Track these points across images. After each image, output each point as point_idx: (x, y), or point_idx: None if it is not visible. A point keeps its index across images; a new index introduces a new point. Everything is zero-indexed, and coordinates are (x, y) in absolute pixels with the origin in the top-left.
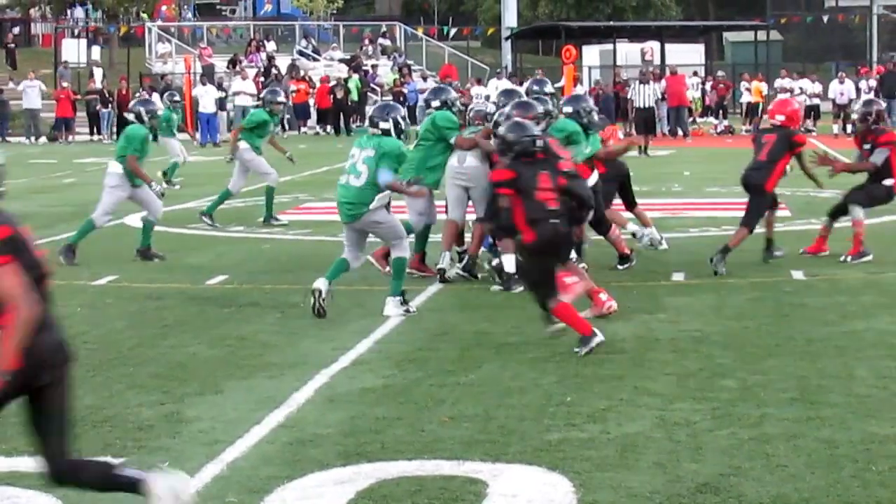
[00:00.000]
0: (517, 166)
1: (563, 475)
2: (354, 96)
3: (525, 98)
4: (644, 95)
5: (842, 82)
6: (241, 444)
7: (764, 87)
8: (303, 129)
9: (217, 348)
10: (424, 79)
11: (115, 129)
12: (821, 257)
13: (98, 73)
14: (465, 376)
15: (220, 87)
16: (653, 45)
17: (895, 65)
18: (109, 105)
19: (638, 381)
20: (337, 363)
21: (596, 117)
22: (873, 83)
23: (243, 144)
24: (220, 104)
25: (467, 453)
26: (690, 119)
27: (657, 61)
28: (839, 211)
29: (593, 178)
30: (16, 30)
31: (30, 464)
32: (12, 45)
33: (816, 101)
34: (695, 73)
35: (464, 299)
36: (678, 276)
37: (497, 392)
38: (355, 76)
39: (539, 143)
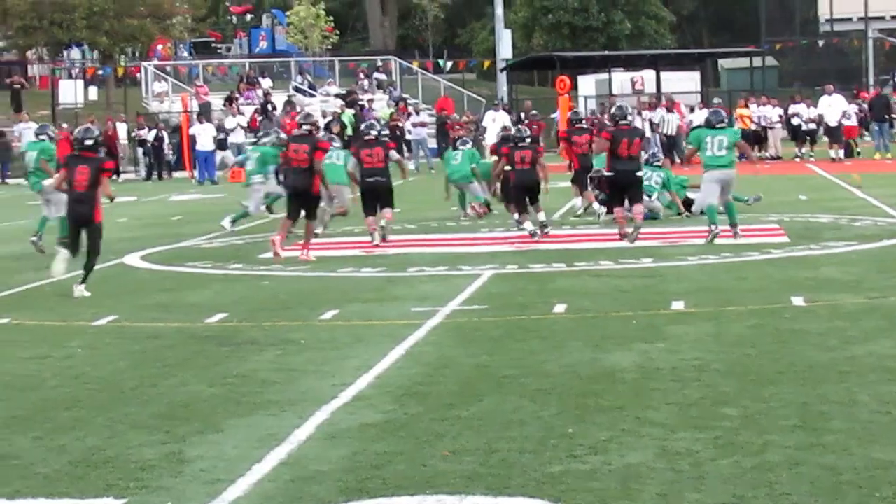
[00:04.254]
0: None
1: None
2: (350, 131)
3: None
4: (671, 124)
5: (829, 94)
6: (243, 483)
7: (751, 111)
8: None
9: (217, 387)
10: (417, 112)
11: None
12: (819, 283)
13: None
14: (466, 410)
15: (219, 129)
16: (643, 75)
17: (883, 89)
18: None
19: (639, 412)
20: (337, 399)
21: None
22: (864, 106)
23: (257, 178)
24: (220, 143)
25: (469, 487)
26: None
27: (650, 90)
28: None
29: None
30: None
31: None
32: (18, 87)
33: (812, 125)
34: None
35: (463, 333)
36: (678, 305)
37: (498, 425)
38: (349, 111)
39: None
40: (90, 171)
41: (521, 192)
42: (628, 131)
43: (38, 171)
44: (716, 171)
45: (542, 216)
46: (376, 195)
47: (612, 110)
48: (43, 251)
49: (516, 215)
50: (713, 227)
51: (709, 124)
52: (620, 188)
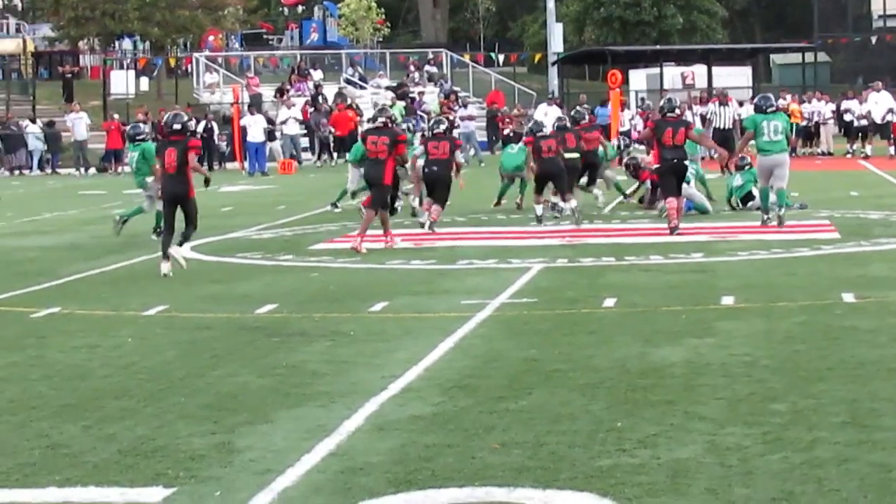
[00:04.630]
0: None
1: (614, 501)
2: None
3: None
4: (724, 117)
5: (878, 91)
6: (292, 474)
7: (802, 108)
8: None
9: (267, 377)
10: (465, 105)
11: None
12: (870, 279)
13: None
14: (515, 403)
15: (269, 120)
16: (694, 70)
17: None
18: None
19: (688, 406)
20: (386, 391)
21: None
22: None
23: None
24: (269, 134)
25: (518, 480)
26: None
27: (700, 85)
28: None
29: None
30: (69, 62)
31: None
32: (69, 76)
33: (864, 122)
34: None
35: (512, 326)
36: (727, 300)
37: (547, 418)
38: (400, 103)
39: None
40: (178, 152)
41: (542, 181)
42: (674, 122)
43: (141, 169)
44: (768, 158)
45: (573, 203)
46: (434, 185)
47: (661, 102)
48: (118, 233)
49: (538, 207)
50: (766, 214)
51: (759, 109)
52: (665, 175)
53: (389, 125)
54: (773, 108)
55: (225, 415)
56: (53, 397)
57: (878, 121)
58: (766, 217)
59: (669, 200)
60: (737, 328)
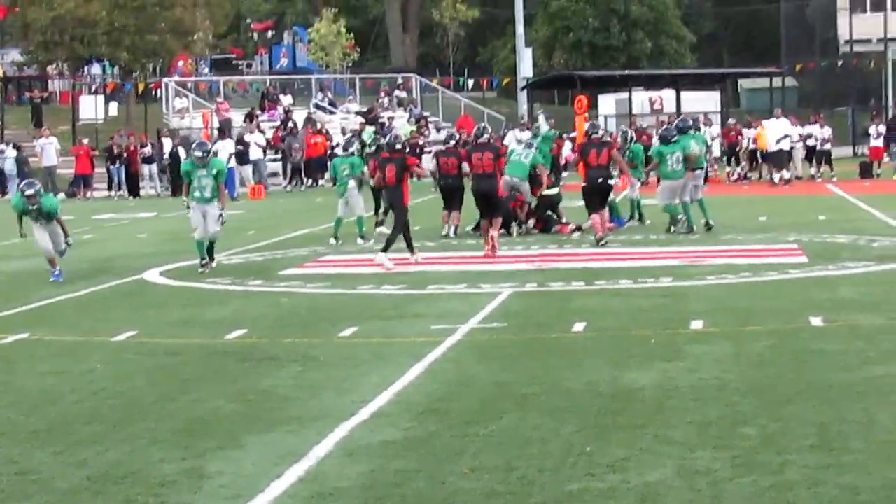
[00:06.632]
0: None
1: None
2: (370, 148)
3: None
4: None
5: (777, 118)
6: (262, 499)
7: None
8: (320, 182)
9: (237, 403)
10: (438, 130)
11: (125, 185)
12: (838, 303)
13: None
14: (485, 427)
15: (238, 141)
16: (663, 95)
17: None
18: (118, 161)
19: (658, 430)
20: (357, 416)
21: None
22: (882, 129)
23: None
24: (240, 157)
25: None
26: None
27: (669, 109)
28: None
29: None
30: (38, 86)
31: None
32: (38, 101)
33: (828, 146)
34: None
35: (482, 351)
36: (697, 324)
37: (517, 443)
38: (369, 128)
39: None
40: (396, 167)
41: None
42: (598, 144)
43: (344, 179)
44: (670, 181)
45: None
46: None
47: (586, 126)
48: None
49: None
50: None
51: (664, 140)
52: (590, 194)
53: (404, 152)
54: (676, 139)
55: (195, 440)
56: (22, 423)
57: (769, 148)
58: (673, 228)
59: (592, 217)
60: (706, 352)
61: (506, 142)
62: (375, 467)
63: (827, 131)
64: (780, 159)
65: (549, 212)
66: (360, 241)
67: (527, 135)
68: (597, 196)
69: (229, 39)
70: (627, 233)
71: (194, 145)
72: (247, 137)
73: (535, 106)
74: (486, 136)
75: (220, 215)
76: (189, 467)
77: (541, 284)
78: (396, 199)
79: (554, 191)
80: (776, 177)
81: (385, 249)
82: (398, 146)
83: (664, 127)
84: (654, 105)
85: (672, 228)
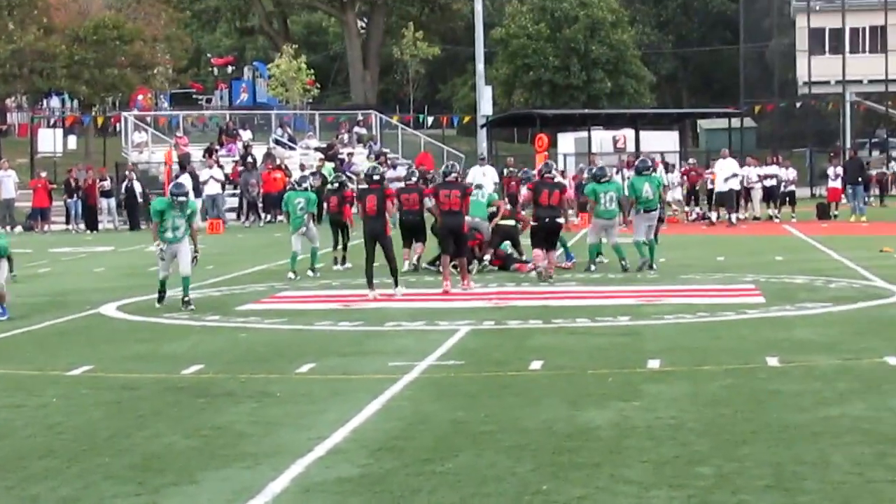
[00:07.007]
0: None
1: None
2: (330, 184)
3: None
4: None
5: (724, 158)
6: None
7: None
8: (279, 218)
9: (193, 438)
10: (394, 167)
11: (82, 219)
12: (794, 343)
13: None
14: (442, 465)
15: (192, 175)
16: (626, 133)
17: (856, 153)
18: (75, 195)
19: (614, 469)
20: (313, 452)
21: None
22: (840, 170)
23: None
24: (196, 191)
25: None
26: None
27: (630, 148)
28: None
29: None
30: None
31: None
32: None
33: (792, 187)
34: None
35: (439, 388)
36: (654, 364)
37: (473, 481)
38: (329, 164)
39: None
40: (377, 198)
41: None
42: (550, 184)
43: (300, 215)
44: (602, 220)
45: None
46: (411, 231)
47: (540, 165)
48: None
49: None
50: (593, 265)
51: (596, 179)
52: (540, 231)
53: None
54: (608, 179)
55: (150, 476)
56: None
57: (721, 188)
58: (592, 267)
59: (536, 252)
60: (663, 391)
61: (469, 179)
62: None
63: (792, 172)
64: (728, 199)
65: (506, 243)
66: (310, 272)
67: (491, 170)
68: (547, 235)
69: (189, 74)
70: (583, 271)
71: (171, 187)
72: (203, 174)
73: (493, 144)
74: (453, 174)
75: (195, 257)
76: (144, 503)
77: (498, 322)
78: (379, 229)
79: (511, 222)
80: (733, 217)
81: (396, 283)
82: (376, 177)
83: (598, 167)
84: (617, 143)
85: (592, 267)
